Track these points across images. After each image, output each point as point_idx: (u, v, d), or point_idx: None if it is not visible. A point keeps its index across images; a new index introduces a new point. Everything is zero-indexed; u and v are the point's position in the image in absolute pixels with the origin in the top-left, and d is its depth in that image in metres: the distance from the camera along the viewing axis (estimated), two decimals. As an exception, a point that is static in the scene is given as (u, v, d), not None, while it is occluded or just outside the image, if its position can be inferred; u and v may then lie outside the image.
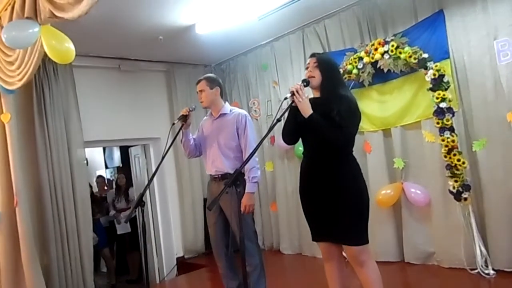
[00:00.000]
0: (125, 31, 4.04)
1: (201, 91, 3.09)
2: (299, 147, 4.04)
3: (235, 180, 2.12)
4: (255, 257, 2.97)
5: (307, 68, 2.39)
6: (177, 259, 5.22)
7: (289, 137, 2.46)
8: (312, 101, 2.34)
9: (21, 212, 3.49)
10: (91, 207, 4.40)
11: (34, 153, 3.98)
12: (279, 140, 4.53)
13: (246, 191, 2.89)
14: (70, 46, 2.80)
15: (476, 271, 3.30)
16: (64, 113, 4.22)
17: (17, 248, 3.50)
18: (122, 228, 5.63)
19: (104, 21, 3.67)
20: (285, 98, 2.30)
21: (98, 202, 5.73)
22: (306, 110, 2.23)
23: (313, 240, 2.44)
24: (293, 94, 2.26)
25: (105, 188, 6.29)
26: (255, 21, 4.13)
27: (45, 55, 2.80)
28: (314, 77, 2.34)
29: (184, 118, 3.00)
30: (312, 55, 2.42)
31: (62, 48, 2.76)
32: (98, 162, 7.83)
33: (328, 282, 2.47)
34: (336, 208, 2.24)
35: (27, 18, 2.62)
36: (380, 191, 3.85)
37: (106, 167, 7.77)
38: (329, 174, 2.27)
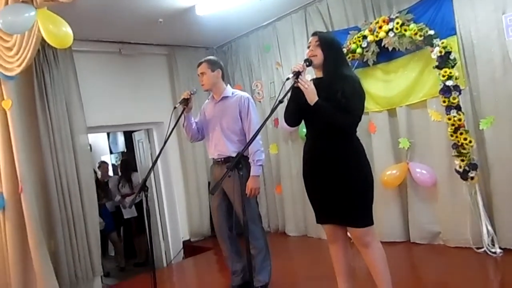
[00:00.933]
0: (125, 14, 3.97)
1: (202, 73, 3.05)
2: (303, 128, 3.99)
3: (237, 163, 2.09)
4: (260, 240, 2.98)
5: (308, 47, 2.33)
6: (184, 242, 5.27)
7: (291, 119, 2.41)
8: (316, 82, 2.29)
9: (27, 198, 3.50)
10: (96, 192, 4.42)
11: (37, 139, 3.98)
12: (283, 122, 4.47)
13: (251, 174, 2.88)
14: (67, 30, 2.75)
15: (482, 250, 3.28)
16: (65, 98, 4.19)
17: (24, 235, 3.52)
18: (129, 213, 5.68)
19: (102, 4, 3.61)
20: (288, 79, 2.25)
21: (103, 187, 5.77)
22: (312, 97, 2.17)
23: (317, 222, 2.42)
24: (295, 74, 2.21)
25: (108, 173, 6.32)
26: (256, 1, 4.04)
27: (44, 40, 2.76)
28: (316, 55, 2.29)
29: (186, 102, 2.96)
30: (314, 34, 2.36)
31: (60, 32, 2.71)
32: (103, 148, 7.85)
33: (333, 264, 2.46)
34: (340, 190, 2.22)
35: (22, 1, 2.57)
36: (386, 172, 3.82)
37: (111, 152, 7.79)
38: (333, 156, 2.24)
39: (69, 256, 4.00)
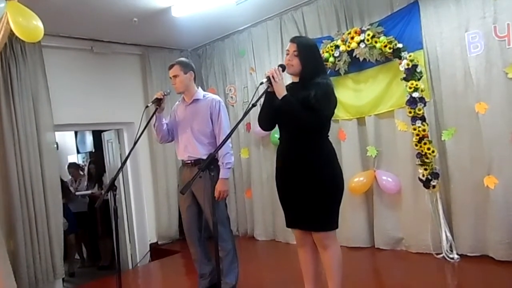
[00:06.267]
0: (98, 12, 3.90)
1: (175, 76, 3.04)
2: (275, 134, 4.05)
3: (209, 165, 2.11)
4: (228, 242, 2.99)
5: (287, 54, 2.33)
6: (151, 245, 5.19)
7: (265, 122, 2.43)
8: (290, 86, 2.33)
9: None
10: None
11: (0, 135, 3.83)
12: (255, 127, 4.54)
13: (220, 177, 2.87)
14: (38, 24, 2.69)
15: (441, 255, 3.42)
16: (32, 94, 4.05)
17: (-18, 233, 3.39)
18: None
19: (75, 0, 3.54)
20: (261, 83, 2.27)
21: (63, 188, 5.60)
22: (281, 90, 2.21)
23: (287, 226, 2.45)
24: (269, 79, 2.24)
25: (81, 173, 6.16)
26: (233, 5, 4.07)
27: (12, 33, 2.69)
28: (292, 65, 2.31)
29: (158, 102, 2.95)
30: (293, 40, 2.34)
31: (30, 26, 2.65)
32: (70, 147, 7.63)
33: (301, 267, 2.50)
34: (306, 194, 2.25)
35: (-9, -8, 2.50)
36: (353, 179, 3.92)
37: (78, 152, 7.58)
38: (303, 160, 2.27)
39: (29, 256, 3.86)
